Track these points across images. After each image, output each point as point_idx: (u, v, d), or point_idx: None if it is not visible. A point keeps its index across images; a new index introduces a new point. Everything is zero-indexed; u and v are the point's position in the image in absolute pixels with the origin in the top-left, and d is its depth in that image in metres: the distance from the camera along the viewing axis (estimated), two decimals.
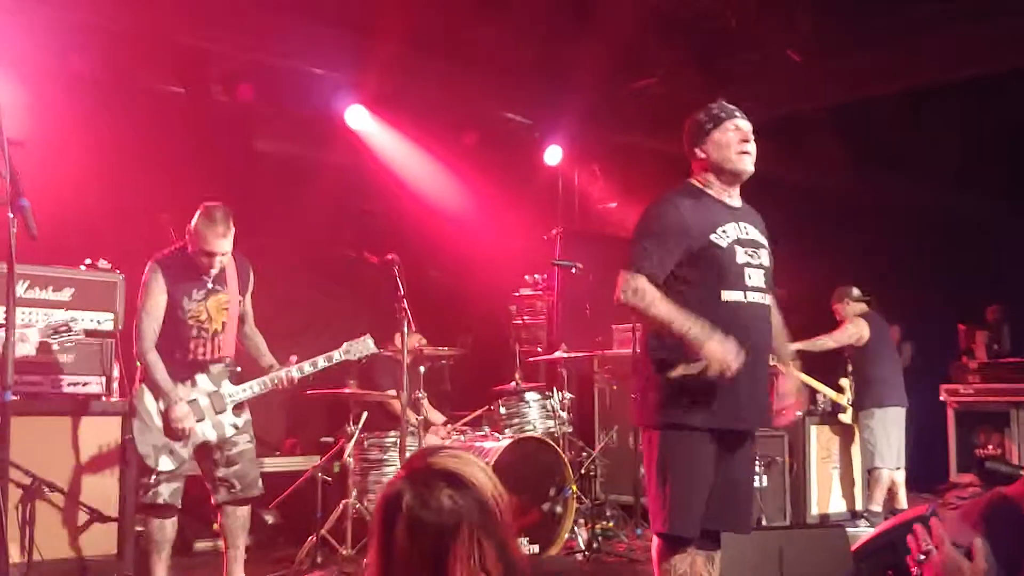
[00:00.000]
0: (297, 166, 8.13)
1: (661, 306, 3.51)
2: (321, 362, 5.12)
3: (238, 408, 4.91)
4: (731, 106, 3.76)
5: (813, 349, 7.48)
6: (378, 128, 8.20)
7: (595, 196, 10.00)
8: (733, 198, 3.76)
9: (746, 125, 3.72)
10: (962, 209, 9.49)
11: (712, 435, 3.60)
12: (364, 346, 5.29)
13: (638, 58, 8.32)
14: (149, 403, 4.72)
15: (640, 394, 3.77)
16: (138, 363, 4.77)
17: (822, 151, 9.10)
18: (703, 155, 3.72)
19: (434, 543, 1.78)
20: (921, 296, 9.28)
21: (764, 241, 3.78)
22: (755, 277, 3.68)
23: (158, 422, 4.71)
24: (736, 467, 3.72)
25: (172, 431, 4.69)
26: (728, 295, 3.60)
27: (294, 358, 5.04)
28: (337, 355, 5.21)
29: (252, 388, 4.94)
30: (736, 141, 3.67)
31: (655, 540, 3.69)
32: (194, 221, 4.74)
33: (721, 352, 3.40)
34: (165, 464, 4.70)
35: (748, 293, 3.64)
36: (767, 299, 3.74)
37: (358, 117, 8.03)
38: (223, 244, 4.77)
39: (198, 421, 4.75)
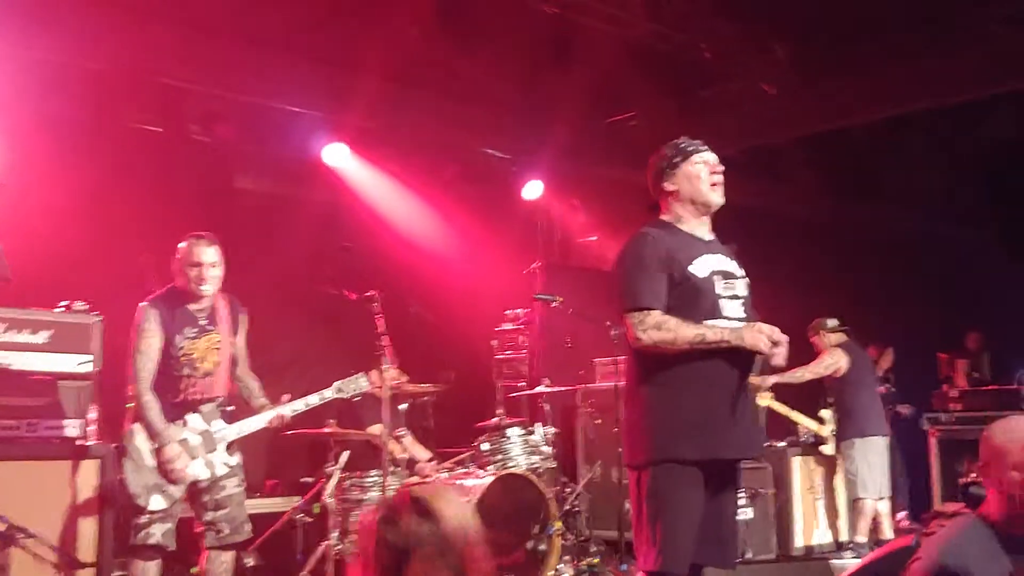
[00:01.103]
0: (277, 204, 8.12)
1: (686, 329, 3.54)
2: (314, 399, 5.11)
3: (230, 447, 4.88)
4: (696, 141, 3.84)
5: (791, 381, 7.48)
6: (357, 165, 8.20)
7: (575, 230, 10.02)
8: (704, 231, 3.79)
9: (713, 158, 3.79)
10: (941, 237, 9.56)
11: (701, 469, 3.58)
12: (356, 384, 5.28)
13: (616, 92, 8.38)
14: (140, 443, 4.70)
15: (629, 431, 3.75)
16: (130, 404, 4.73)
17: (800, 181, 9.17)
18: (673, 187, 3.76)
19: (394, 560, 2.01)
20: (901, 325, 9.32)
21: (739, 272, 3.81)
22: (733, 307, 3.70)
23: (150, 462, 4.69)
24: (722, 501, 3.71)
25: (164, 472, 4.65)
26: (711, 324, 3.61)
27: (286, 397, 5.02)
28: (329, 393, 5.20)
29: (245, 426, 4.91)
30: (707, 173, 3.73)
31: None
32: (178, 251, 4.84)
33: (759, 336, 3.52)
34: (157, 503, 4.67)
35: (728, 323, 3.65)
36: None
37: (337, 154, 8.03)
38: (208, 253, 4.82)
39: (191, 459, 4.72)
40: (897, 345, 9.33)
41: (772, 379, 7.52)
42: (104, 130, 6.89)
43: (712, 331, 3.54)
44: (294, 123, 7.75)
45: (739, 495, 3.85)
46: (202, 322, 4.86)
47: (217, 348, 4.89)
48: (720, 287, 3.67)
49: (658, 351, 3.57)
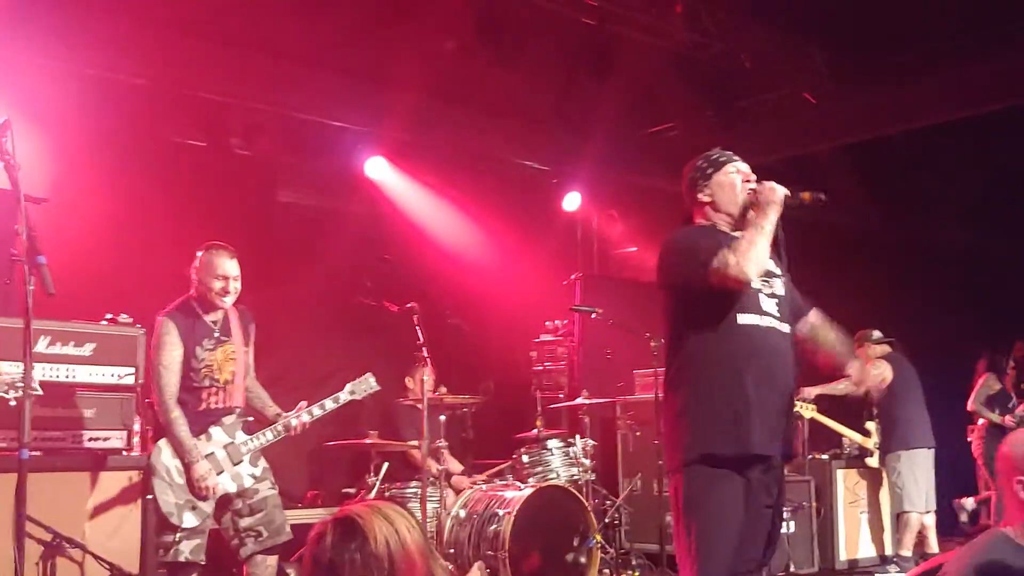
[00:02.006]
0: (318, 216, 8.19)
1: (742, 240, 3.53)
2: (329, 404, 5.12)
3: (254, 458, 4.91)
4: (728, 151, 3.84)
5: (834, 392, 7.40)
6: (397, 178, 8.26)
7: (614, 241, 10.00)
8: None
9: (745, 167, 3.79)
10: (983, 245, 9.42)
11: (737, 472, 3.53)
12: (367, 384, 5.29)
13: (655, 102, 8.37)
14: (167, 460, 4.72)
15: (667, 436, 3.74)
16: (159, 419, 4.76)
17: (840, 190, 9.07)
18: (707, 198, 3.76)
19: None
20: (945, 335, 9.18)
21: (779, 271, 3.78)
22: (769, 304, 3.67)
23: (179, 479, 4.71)
24: (762, 506, 3.62)
25: (196, 489, 4.68)
26: (744, 319, 3.60)
27: (303, 404, 5.04)
28: (343, 396, 5.21)
29: (265, 436, 4.94)
30: (740, 181, 3.73)
31: None
32: (197, 260, 4.86)
33: (776, 189, 3.58)
34: (189, 520, 4.69)
35: (763, 318, 3.64)
36: (785, 328, 3.71)
37: (378, 168, 8.10)
38: (232, 266, 4.85)
39: (217, 474, 4.74)
40: (941, 356, 9.19)
41: (815, 391, 7.46)
42: (148, 145, 6.99)
43: (754, 222, 3.58)
44: (335, 137, 7.83)
45: (782, 502, 3.74)
46: (216, 333, 4.88)
47: (233, 358, 4.91)
48: (757, 282, 3.64)
49: (743, 275, 3.49)
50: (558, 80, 8.01)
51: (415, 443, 6.39)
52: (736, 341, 3.57)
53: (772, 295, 3.70)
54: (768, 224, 3.56)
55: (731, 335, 3.58)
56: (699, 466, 3.55)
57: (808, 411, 7.58)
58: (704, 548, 3.51)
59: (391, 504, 2.08)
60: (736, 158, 3.80)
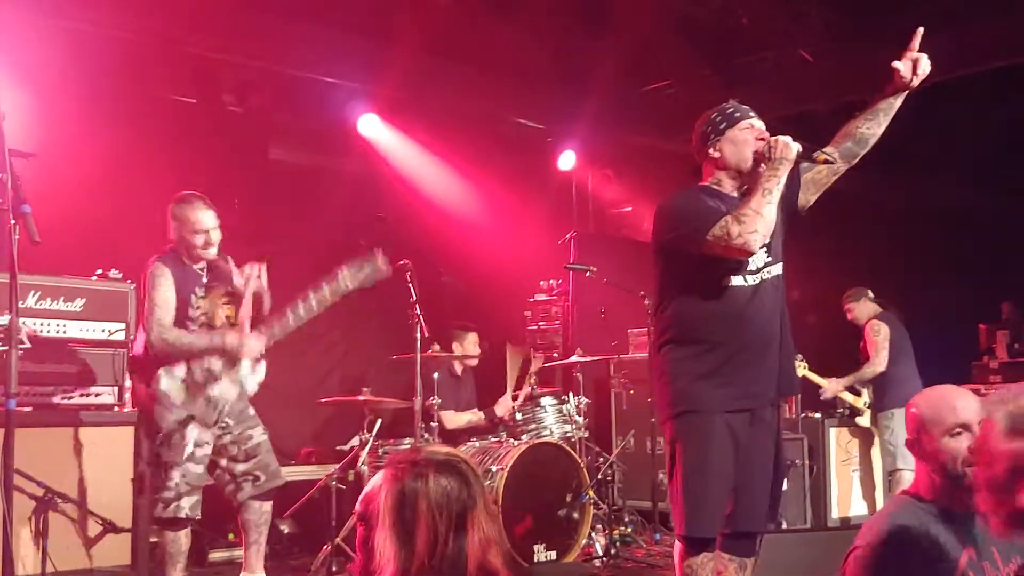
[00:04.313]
0: (311, 174, 8.13)
1: (747, 208, 3.41)
2: (325, 292, 5.10)
3: (255, 362, 4.89)
4: (745, 106, 3.70)
5: (864, 379, 7.48)
6: (391, 135, 8.19)
7: (609, 200, 9.95)
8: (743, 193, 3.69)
9: (761, 124, 3.66)
10: (979, 206, 9.39)
11: (727, 423, 3.51)
12: (372, 266, 5.15)
13: (651, 60, 8.28)
14: (165, 386, 4.66)
15: (657, 392, 3.74)
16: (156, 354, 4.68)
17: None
18: (716, 154, 3.66)
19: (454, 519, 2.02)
20: (939, 296, 9.18)
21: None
22: (756, 260, 3.60)
23: (177, 399, 4.65)
24: (751, 457, 3.58)
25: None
26: (735, 280, 3.56)
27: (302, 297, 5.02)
28: (343, 283, 5.16)
29: (264, 335, 4.88)
30: (753, 139, 3.60)
31: (676, 544, 3.63)
32: (172, 214, 4.80)
33: (790, 146, 3.45)
34: (192, 434, 4.65)
35: (753, 276, 3.58)
36: (776, 269, 3.65)
37: (371, 125, 8.02)
38: (209, 217, 4.79)
39: (216, 382, 4.72)
40: (936, 316, 9.19)
41: (843, 382, 7.53)
42: (137, 101, 6.91)
43: (763, 175, 3.47)
44: (328, 93, 7.74)
45: (774, 452, 3.69)
46: (204, 280, 4.84)
47: (227, 303, 4.88)
48: None
49: (747, 248, 3.42)
50: (554, 37, 7.92)
51: (436, 401, 6.36)
52: (724, 303, 3.54)
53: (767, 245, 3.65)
54: (776, 186, 3.44)
55: (720, 297, 3.55)
56: (688, 416, 3.55)
57: (800, 370, 7.59)
58: (693, 500, 3.51)
59: (484, 454, 2.19)
60: (752, 114, 3.66)
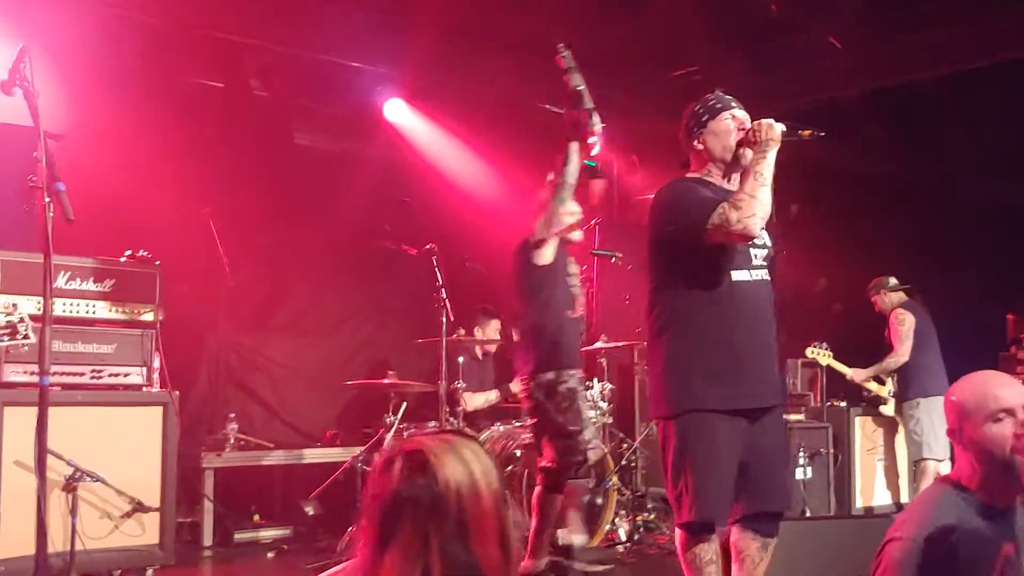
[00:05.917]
0: (336, 159, 8.15)
1: (742, 194, 3.42)
2: None
3: None
4: (728, 96, 3.72)
5: (887, 369, 7.45)
6: (416, 120, 8.20)
7: (634, 186, 9.91)
8: (733, 186, 3.65)
9: (743, 115, 3.67)
10: (1008, 195, 9.29)
11: (729, 417, 3.52)
12: None
13: (678, 46, 8.23)
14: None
15: (653, 384, 3.73)
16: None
17: (865, 137, 8.96)
18: (701, 147, 3.68)
19: (386, 515, 1.78)
20: (966, 286, 9.09)
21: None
22: (759, 256, 3.65)
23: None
24: (762, 444, 3.60)
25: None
26: (737, 275, 3.57)
27: None
28: None
29: None
30: (735, 129, 3.62)
31: (678, 533, 3.63)
32: None
33: (773, 126, 3.48)
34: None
35: (753, 272, 3.61)
36: (768, 276, 3.68)
37: (396, 110, 8.04)
38: None
39: None
40: (964, 306, 9.12)
41: (867, 372, 7.50)
42: (164, 85, 6.94)
43: (756, 165, 3.46)
44: (353, 78, 7.75)
45: (784, 443, 3.72)
46: None
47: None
48: None
49: (748, 232, 3.41)
50: (581, 22, 7.89)
51: (460, 385, 6.41)
52: (728, 298, 3.54)
53: (764, 244, 3.68)
54: (767, 168, 3.45)
55: (723, 292, 3.55)
56: (691, 415, 3.54)
57: (825, 359, 7.56)
58: (699, 486, 3.51)
59: (470, 442, 1.86)
60: (734, 104, 3.68)
